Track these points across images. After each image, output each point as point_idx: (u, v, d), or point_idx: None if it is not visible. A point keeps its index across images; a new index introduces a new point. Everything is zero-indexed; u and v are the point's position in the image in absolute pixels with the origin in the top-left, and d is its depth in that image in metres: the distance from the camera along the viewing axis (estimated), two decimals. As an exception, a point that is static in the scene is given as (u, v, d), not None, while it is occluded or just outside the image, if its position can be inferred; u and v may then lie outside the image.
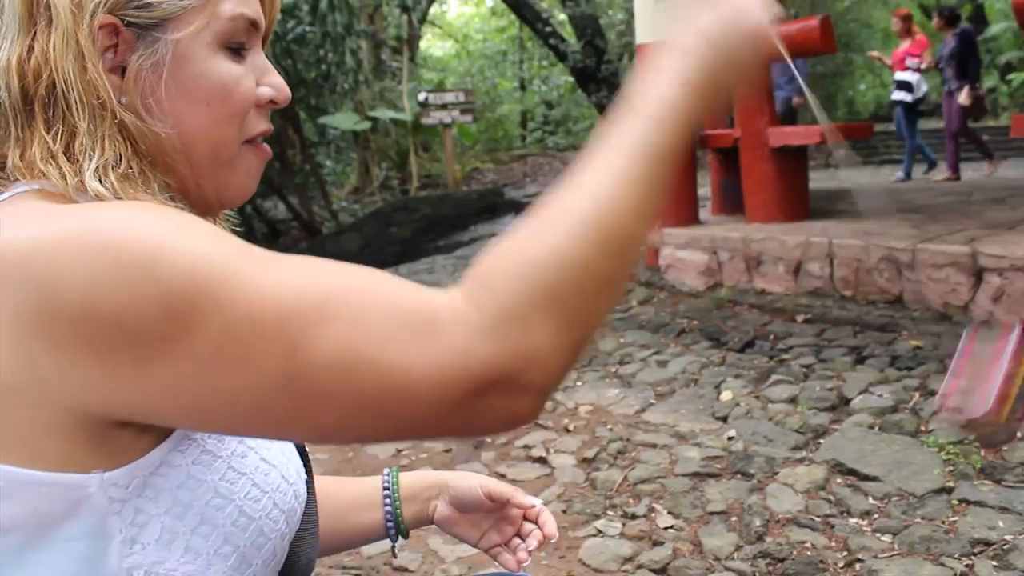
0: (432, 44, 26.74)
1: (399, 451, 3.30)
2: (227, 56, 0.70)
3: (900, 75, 9.87)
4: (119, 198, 0.64)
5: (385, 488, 1.02)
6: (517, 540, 1.06)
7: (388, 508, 1.01)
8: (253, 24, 0.72)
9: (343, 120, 12.82)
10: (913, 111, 10.00)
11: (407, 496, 1.03)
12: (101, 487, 0.58)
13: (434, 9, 22.50)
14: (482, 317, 0.53)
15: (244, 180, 0.75)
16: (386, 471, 1.05)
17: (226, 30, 0.70)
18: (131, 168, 0.66)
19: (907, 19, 9.86)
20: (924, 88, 9.97)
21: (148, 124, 0.67)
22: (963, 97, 8.56)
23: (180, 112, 0.69)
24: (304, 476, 0.77)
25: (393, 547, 1.05)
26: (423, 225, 11.03)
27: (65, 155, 0.65)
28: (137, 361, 0.53)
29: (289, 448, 0.76)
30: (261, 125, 0.75)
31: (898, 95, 9.95)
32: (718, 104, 0.68)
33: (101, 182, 0.64)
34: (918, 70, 9.85)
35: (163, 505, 0.61)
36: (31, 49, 0.65)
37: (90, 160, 0.65)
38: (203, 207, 0.73)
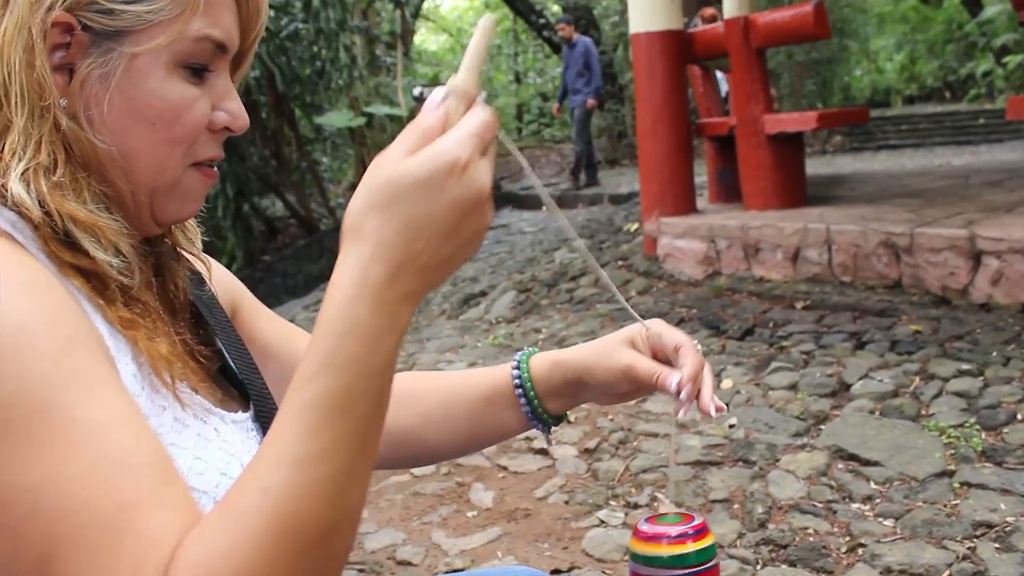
0: (426, 39, 26.69)
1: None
2: (184, 76, 0.66)
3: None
4: (43, 208, 0.60)
5: (517, 387, 0.88)
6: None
7: (526, 408, 0.88)
8: (220, 47, 0.67)
9: (338, 117, 12.77)
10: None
11: (545, 393, 0.88)
12: None
13: (427, 3, 22.45)
14: None
15: (183, 204, 0.70)
16: (516, 363, 0.89)
17: (188, 51, 0.65)
18: (64, 176, 0.62)
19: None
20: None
21: (87, 135, 0.63)
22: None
23: (123, 128, 0.64)
24: None
25: (547, 437, 0.94)
26: (420, 220, 11.01)
27: None
28: None
29: (238, 442, 0.71)
30: (211, 150, 0.70)
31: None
32: (427, 292, 0.57)
33: (28, 187, 0.60)
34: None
35: None
36: None
37: (19, 161, 0.61)
38: (138, 223, 0.69)
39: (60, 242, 0.61)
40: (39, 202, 0.60)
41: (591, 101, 9.97)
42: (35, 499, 0.51)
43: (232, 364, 0.78)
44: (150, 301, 0.69)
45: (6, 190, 0.60)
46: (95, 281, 0.62)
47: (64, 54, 0.63)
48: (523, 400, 0.88)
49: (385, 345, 0.54)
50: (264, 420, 0.76)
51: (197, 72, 0.67)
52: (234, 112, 0.70)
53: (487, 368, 0.92)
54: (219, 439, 0.68)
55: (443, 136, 0.56)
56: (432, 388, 0.92)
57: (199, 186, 0.71)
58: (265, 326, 0.91)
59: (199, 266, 0.82)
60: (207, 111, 0.68)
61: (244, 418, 0.74)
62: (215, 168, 0.72)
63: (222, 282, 0.87)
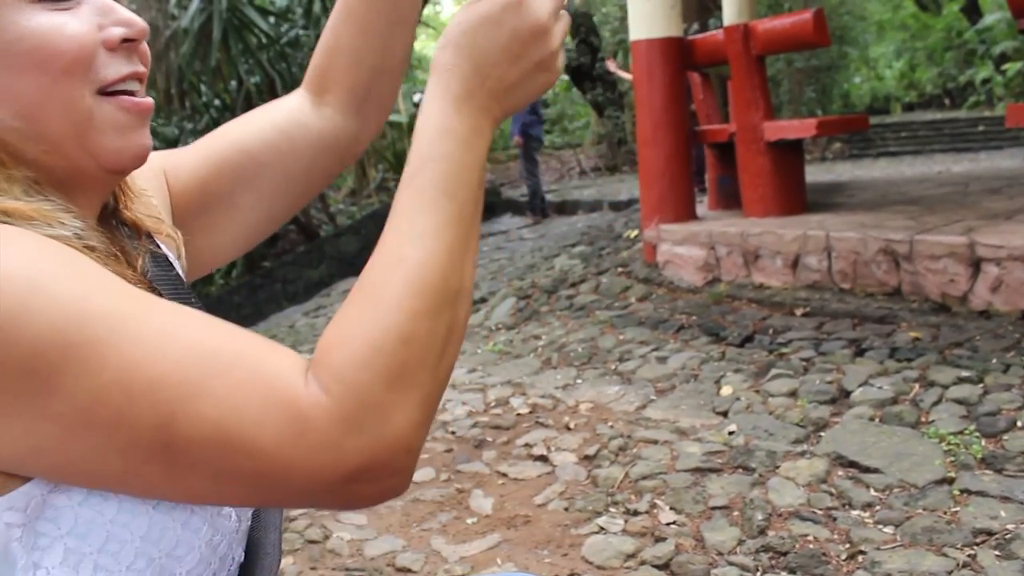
0: (426, 45, 26.73)
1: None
2: (46, 8, 0.61)
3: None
4: None
5: None
6: None
7: None
8: None
9: (339, 122, 12.80)
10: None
11: None
12: None
13: (427, 10, 22.49)
14: (344, 412, 0.53)
15: (117, 139, 0.65)
16: None
17: None
18: None
19: None
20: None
21: None
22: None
23: (12, 89, 0.60)
24: None
25: None
26: (420, 226, 11.00)
27: None
28: None
29: None
30: (121, 68, 0.65)
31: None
32: (508, 112, 0.67)
33: None
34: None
35: (65, 526, 0.56)
36: None
37: None
38: (82, 183, 0.65)
39: None
40: None
41: (517, 138, 9.59)
42: (125, 388, 0.51)
43: None
44: (130, 276, 0.67)
45: None
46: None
47: None
48: None
49: (474, 146, 0.63)
50: None
51: None
52: (126, 20, 0.65)
53: None
54: None
55: None
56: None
57: (124, 115, 0.65)
58: (191, 163, 0.87)
59: (170, 245, 0.78)
60: (88, 30, 0.62)
61: None
62: (149, 99, 0.68)
63: (154, 171, 0.82)
